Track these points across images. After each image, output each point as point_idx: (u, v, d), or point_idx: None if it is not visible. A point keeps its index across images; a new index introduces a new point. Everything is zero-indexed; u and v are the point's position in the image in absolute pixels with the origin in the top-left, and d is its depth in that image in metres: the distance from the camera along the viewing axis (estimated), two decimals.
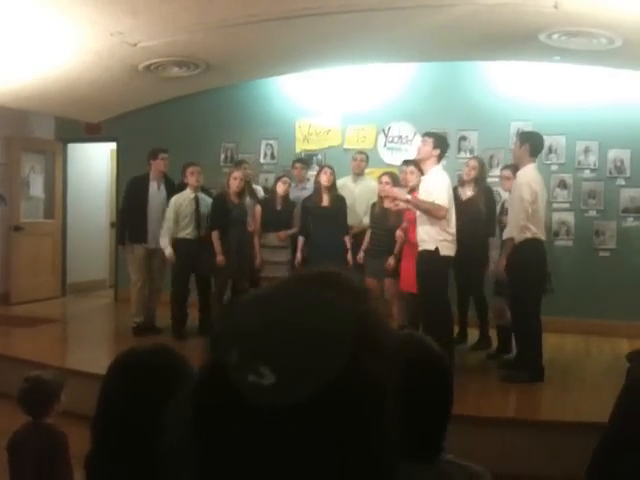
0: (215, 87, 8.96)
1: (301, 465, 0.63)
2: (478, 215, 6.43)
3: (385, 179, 6.69)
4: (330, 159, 8.27)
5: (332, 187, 7.00)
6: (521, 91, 7.97)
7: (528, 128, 7.31)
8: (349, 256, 6.87)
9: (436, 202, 5.60)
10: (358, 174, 7.59)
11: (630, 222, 7.72)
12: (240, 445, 0.63)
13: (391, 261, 6.46)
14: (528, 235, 5.45)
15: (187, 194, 7.14)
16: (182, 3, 5.86)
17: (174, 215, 7.02)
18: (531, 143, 5.63)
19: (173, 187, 7.48)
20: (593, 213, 7.83)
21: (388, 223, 6.57)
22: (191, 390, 0.70)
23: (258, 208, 7.13)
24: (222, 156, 9.21)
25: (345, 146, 8.61)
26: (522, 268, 5.45)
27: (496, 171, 7.43)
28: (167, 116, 9.28)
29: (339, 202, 7.01)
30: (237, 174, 7.08)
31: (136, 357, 1.64)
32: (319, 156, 8.75)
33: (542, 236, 5.61)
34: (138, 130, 9.32)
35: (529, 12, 5.83)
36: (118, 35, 6.46)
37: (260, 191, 7.76)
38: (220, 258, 6.83)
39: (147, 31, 6.52)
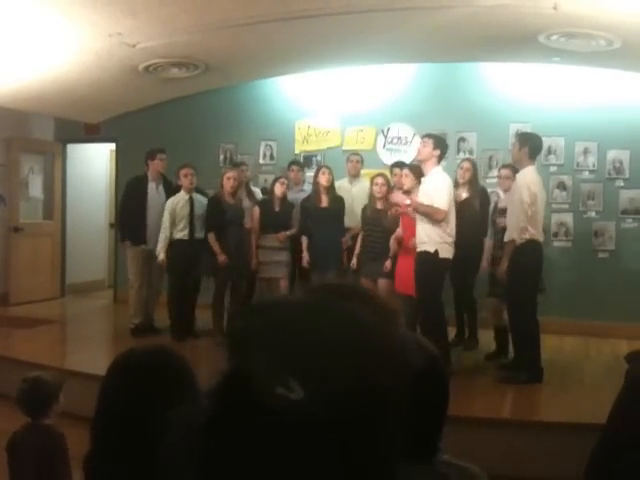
0: (214, 88, 8.96)
1: (314, 475, 0.63)
2: (474, 217, 6.45)
3: (380, 181, 6.68)
4: (329, 160, 8.28)
5: (331, 187, 7.00)
6: (520, 92, 7.98)
7: (527, 129, 7.32)
8: (345, 257, 6.85)
9: (436, 204, 5.61)
10: (355, 175, 7.58)
11: (629, 223, 7.72)
12: (253, 451, 0.63)
13: (388, 264, 6.45)
14: (527, 237, 5.48)
15: (182, 196, 7.13)
16: (181, 4, 5.87)
17: (170, 218, 7.03)
18: (530, 145, 5.64)
19: (172, 188, 7.49)
20: (592, 214, 7.83)
21: (382, 224, 6.56)
22: (207, 392, 0.69)
23: (256, 209, 7.12)
24: (221, 157, 9.21)
25: (344, 147, 8.61)
26: (522, 269, 5.47)
27: (495, 172, 7.43)
28: (166, 117, 9.28)
29: (338, 203, 7.01)
30: (230, 174, 7.07)
31: (136, 358, 1.64)
32: (318, 157, 8.76)
33: (540, 237, 5.64)
34: (137, 131, 9.32)
35: (528, 13, 5.84)
36: (117, 36, 6.46)
37: (258, 193, 7.75)
38: (222, 258, 6.83)
39: (146, 32, 6.52)
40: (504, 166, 6.69)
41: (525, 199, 5.44)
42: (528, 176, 5.58)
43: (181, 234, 7.05)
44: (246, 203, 7.24)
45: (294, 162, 8.03)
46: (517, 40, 6.70)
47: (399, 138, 8.45)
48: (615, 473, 2.31)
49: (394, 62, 8.24)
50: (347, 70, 8.49)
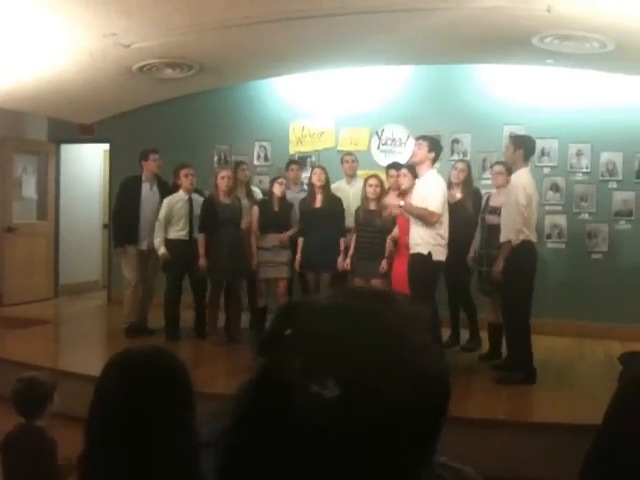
0: (209, 89, 8.95)
1: (343, 474, 0.63)
2: (467, 218, 6.48)
3: (374, 182, 6.68)
4: (324, 161, 8.27)
5: (325, 187, 6.97)
6: (514, 94, 8.00)
7: (521, 131, 7.34)
8: (340, 260, 6.80)
9: (429, 207, 5.64)
10: (352, 175, 7.58)
11: (622, 225, 7.75)
12: (285, 448, 0.63)
13: (384, 264, 6.45)
14: (522, 238, 5.51)
15: (180, 196, 7.14)
16: (175, 5, 5.86)
17: (166, 216, 7.02)
18: (525, 147, 5.70)
19: (166, 188, 7.48)
20: (585, 216, 7.85)
21: (375, 225, 6.57)
22: (237, 392, 0.69)
23: (255, 209, 7.08)
24: (215, 158, 9.20)
25: (339, 148, 8.61)
26: (517, 270, 5.50)
27: (489, 174, 7.45)
28: (160, 117, 9.27)
29: (333, 203, 6.97)
30: (224, 173, 7.05)
31: (131, 358, 1.64)
32: (313, 158, 8.75)
33: (534, 238, 5.68)
34: (131, 131, 9.31)
35: (522, 15, 5.85)
36: (111, 36, 6.45)
37: (258, 193, 7.71)
38: (201, 261, 6.81)
39: (141, 32, 6.51)
40: (497, 163, 6.71)
41: (521, 201, 5.49)
42: (523, 178, 5.62)
43: (179, 234, 7.05)
44: (245, 203, 7.22)
45: (293, 161, 8.00)
46: (511, 42, 6.72)
47: (393, 139, 8.46)
48: (611, 473, 2.32)
49: (389, 64, 8.25)
50: (342, 71, 8.50)
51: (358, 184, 7.36)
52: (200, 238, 6.88)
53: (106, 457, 1.53)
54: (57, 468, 2.98)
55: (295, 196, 7.35)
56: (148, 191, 7.39)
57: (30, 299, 9.27)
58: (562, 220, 7.90)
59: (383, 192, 6.70)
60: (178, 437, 1.54)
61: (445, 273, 6.34)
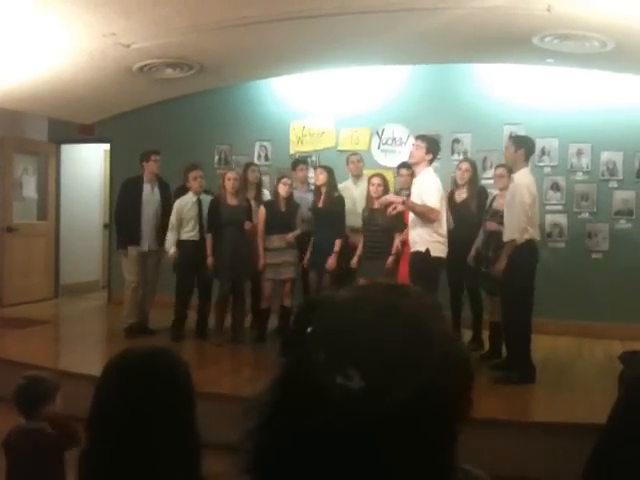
0: (209, 89, 8.95)
1: (371, 466, 0.63)
2: (470, 218, 6.48)
3: (376, 181, 6.69)
4: (324, 161, 8.26)
5: (327, 187, 6.97)
6: (514, 94, 7.99)
7: (521, 131, 7.35)
8: (331, 260, 6.78)
9: (428, 204, 5.68)
10: (357, 175, 7.56)
11: (623, 224, 7.74)
12: (315, 441, 0.64)
13: (390, 261, 6.45)
14: (526, 237, 5.53)
15: (189, 197, 7.18)
16: (175, 5, 5.86)
17: (177, 219, 7.06)
18: (526, 147, 5.74)
19: (167, 189, 7.48)
20: (586, 215, 7.85)
21: (379, 223, 6.57)
22: (266, 392, 0.70)
23: (262, 210, 7.08)
24: (216, 158, 9.20)
25: (339, 148, 8.62)
26: (519, 269, 5.51)
27: (489, 173, 7.45)
28: (161, 117, 9.27)
29: (334, 203, 6.96)
30: (231, 174, 7.07)
31: (132, 358, 1.64)
32: (313, 158, 8.75)
33: (537, 237, 5.73)
34: (132, 131, 9.31)
35: (522, 15, 5.85)
36: (111, 36, 6.45)
37: (267, 195, 7.70)
38: (209, 261, 6.85)
39: (140, 32, 6.51)
40: (499, 165, 6.71)
41: (526, 200, 5.52)
42: (526, 177, 5.67)
43: (190, 235, 7.09)
44: (254, 204, 7.21)
45: (301, 161, 7.99)
46: (511, 41, 6.72)
47: (394, 139, 8.45)
48: (615, 473, 2.32)
49: (389, 64, 8.25)
50: (342, 71, 8.50)
51: (364, 184, 7.34)
52: (208, 239, 6.93)
53: (106, 457, 1.53)
54: (59, 467, 2.98)
55: (302, 196, 7.35)
56: (149, 192, 7.39)
57: (30, 299, 9.28)
58: (562, 219, 7.90)
59: (386, 191, 6.69)
60: (179, 437, 1.54)
61: (447, 272, 6.36)
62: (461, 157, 7.91)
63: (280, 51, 7.57)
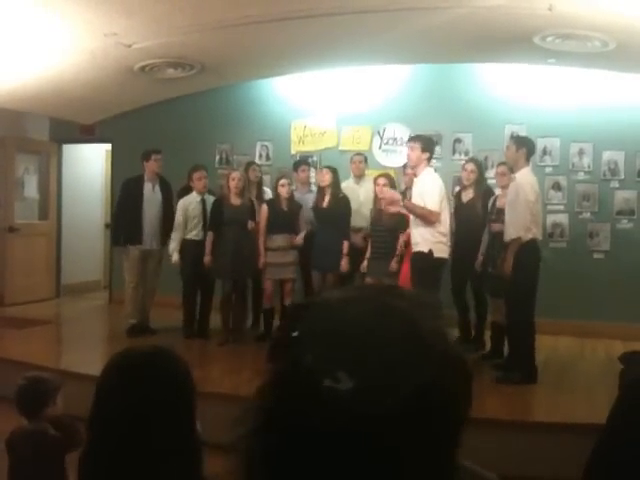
0: (210, 88, 8.95)
1: (366, 472, 0.62)
2: (475, 218, 6.47)
3: (382, 181, 6.69)
4: (325, 160, 8.28)
5: (330, 188, 6.96)
6: (516, 93, 7.99)
7: (522, 130, 7.35)
8: (344, 262, 6.78)
9: (428, 205, 5.69)
10: (359, 176, 7.55)
11: (624, 224, 7.74)
12: (308, 444, 0.63)
13: (394, 264, 6.45)
14: (530, 236, 5.53)
15: (194, 197, 7.20)
16: (176, 4, 5.86)
17: (183, 219, 7.07)
18: (527, 147, 5.74)
19: (169, 188, 7.49)
20: (587, 215, 7.85)
21: (384, 223, 6.57)
22: (255, 397, 0.69)
23: (264, 208, 7.06)
24: (217, 157, 9.20)
25: (340, 147, 8.61)
26: (522, 269, 5.50)
27: (491, 173, 7.44)
28: (162, 117, 9.26)
29: (339, 204, 6.94)
30: (235, 174, 7.05)
31: (131, 358, 1.64)
32: (314, 157, 8.75)
33: (540, 236, 5.74)
34: (133, 131, 9.31)
35: (523, 14, 5.84)
36: (113, 36, 6.46)
37: (269, 193, 7.70)
38: (206, 259, 6.85)
39: (142, 32, 6.51)
40: (501, 163, 6.70)
41: (530, 198, 5.53)
42: (528, 176, 5.68)
43: (193, 234, 7.10)
44: (256, 203, 7.21)
45: (303, 162, 7.98)
46: (512, 41, 6.71)
47: (395, 139, 8.45)
48: (615, 474, 2.32)
49: (390, 63, 8.25)
50: (343, 71, 8.49)
51: (367, 184, 7.33)
52: (208, 237, 6.93)
53: (106, 457, 1.52)
54: (60, 468, 2.98)
55: (302, 197, 7.34)
56: (150, 191, 7.39)
57: (32, 299, 9.28)
58: (564, 219, 7.89)
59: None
60: (179, 437, 1.54)
61: (451, 272, 6.35)
62: (462, 156, 7.92)
63: (281, 50, 7.57)
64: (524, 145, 5.73)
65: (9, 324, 7.78)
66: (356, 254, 6.87)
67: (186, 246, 7.09)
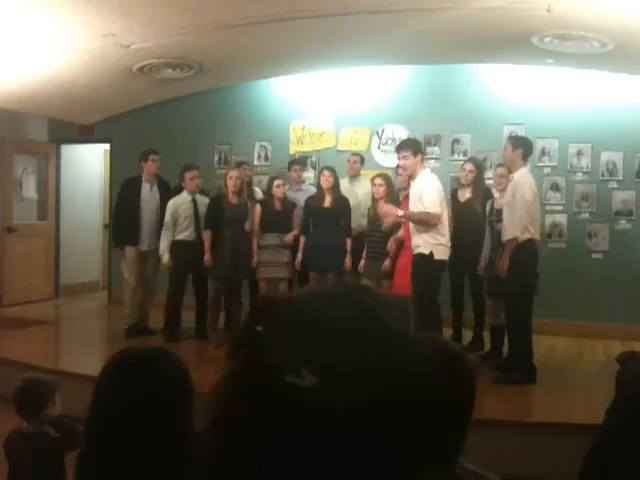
0: (209, 89, 8.95)
1: (332, 465, 0.61)
2: (474, 218, 6.46)
3: (378, 181, 6.69)
4: (324, 161, 8.28)
5: (333, 189, 6.96)
6: (514, 94, 7.99)
7: (521, 131, 7.36)
8: (347, 260, 6.81)
9: (427, 208, 5.68)
10: (354, 176, 7.58)
11: (623, 224, 7.74)
12: (270, 441, 0.61)
13: (387, 263, 6.46)
14: (528, 236, 5.53)
15: (184, 197, 7.13)
16: (175, 5, 5.86)
17: (172, 219, 7.02)
18: (524, 147, 5.73)
19: (167, 188, 7.47)
20: (586, 215, 7.85)
21: (381, 224, 6.58)
22: (215, 389, 0.67)
23: (258, 207, 7.07)
24: (216, 158, 9.20)
25: (339, 148, 8.62)
26: (520, 268, 5.50)
27: (489, 173, 7.44)
28: (161, 118, 9.26)
29: (341, 204, 6.96)
30: (233, 173, 7.03)
31: (130, 358, 1.64)
32: (313, 158, 8.75)
33: (537, 236, 5.72)
34: (131, 131, 9.31)
35: (522, 15, 5.85)
36: (111, 37, 6.45)
37: (259, 193, 7.71)
38: (206, 256, 6.81)
39: (140, 33, 6.51)
40: (499, 165, 6.70)
41: (528, 197, 5.53)
42: (526, 176, 5.68)
43: (184, 235, 7.03)
44: (249, 203, 7.19)
45: (296, 162, 8.01)
46: (511, 42, 6.72)
47: (393, 139, 8.44)
48: (611, 473, 2.32)
49: (388, 64, 8.25)
50: (342, 71, 8.49)
51: (362, 184, 7.35)
52: (206, 235, 6.88)
53: (105, 457, 1.52)
54: (60, 470, 2.98)
55: (293, 195, 7.35)
56: (148, 192, 7.38)
57: (30, 299, 9.28)
58: (562, 219, 7.90)
59: (389, 191, 6.67)
60: (178, 436, 1.54)
61: (450, 273, 6.35)
62: (461, 157, 7.93)
63: (280, 51, 7.57)
64: (521, 145, 5.73)
65: (8, 324, 7.77)
66: (353, 254, 6.90)
67: (176, 247, 7.01)
